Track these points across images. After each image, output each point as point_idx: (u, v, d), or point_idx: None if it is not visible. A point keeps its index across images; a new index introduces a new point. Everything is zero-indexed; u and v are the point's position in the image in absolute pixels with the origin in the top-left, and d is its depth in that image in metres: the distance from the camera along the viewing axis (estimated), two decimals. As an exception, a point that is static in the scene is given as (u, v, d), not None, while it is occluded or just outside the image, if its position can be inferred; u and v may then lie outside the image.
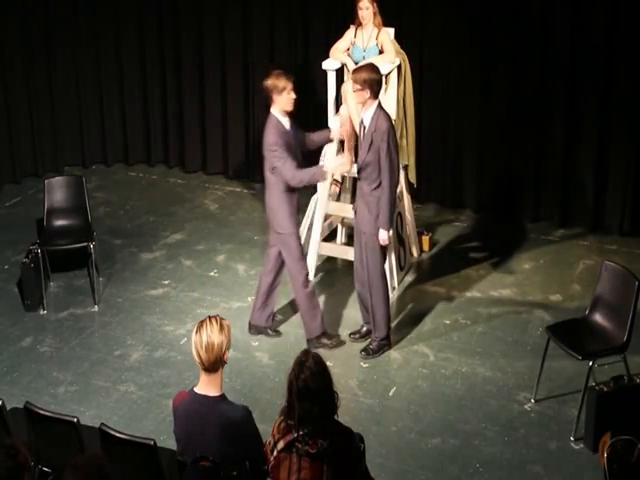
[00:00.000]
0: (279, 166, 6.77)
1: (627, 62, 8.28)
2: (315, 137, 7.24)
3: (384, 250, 7.07)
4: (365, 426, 6.15)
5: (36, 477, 5.24)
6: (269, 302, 7.30)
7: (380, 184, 6.75)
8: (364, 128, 6.82)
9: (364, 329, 7.31)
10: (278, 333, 7.39)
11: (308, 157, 7.20)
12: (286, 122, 6.85)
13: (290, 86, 6.75)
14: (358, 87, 6.66)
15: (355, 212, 7.02)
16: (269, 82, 6.77)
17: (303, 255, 7.15)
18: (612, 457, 5.17)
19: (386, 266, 7.80)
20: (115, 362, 7.10)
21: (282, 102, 6.78)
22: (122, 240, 8.86)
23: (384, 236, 6.84)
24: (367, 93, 6.64)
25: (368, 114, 6.76)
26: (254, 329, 7.36)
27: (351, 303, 7.76)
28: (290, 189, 6.87)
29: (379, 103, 6.76)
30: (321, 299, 7.83)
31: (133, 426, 6.23)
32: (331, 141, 7.37)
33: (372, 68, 6.75)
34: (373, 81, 6.64)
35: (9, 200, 9.70)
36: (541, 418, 6.43)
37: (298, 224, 7.20)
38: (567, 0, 8.34)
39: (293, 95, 6.79)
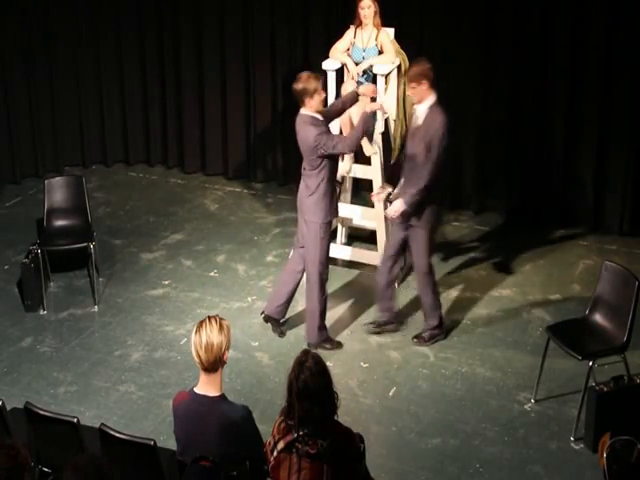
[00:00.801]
0: (331, 150, 6.76)
1: (627, 63, 8.28)
2: (344, 100, 7.19)
3: (432, 242, 7.10)
4: (365, 426, 6.15)
5: (36, 477, 5.24)
6: (290, 299, 7.34)
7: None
8: (416, 120, 6.86)
9: (383, 319, 7.35)
10: (283, 334, 7.40)
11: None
12: (318, 115, 6.85)
13: (320, 86, 6.77)
14: (413, 85, 6.72)
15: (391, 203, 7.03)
16: (301, 86, 6.72)
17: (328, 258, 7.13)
18: (612, 457, 5.18)
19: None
20: (115, 362, 7.10)
21: (315, 103, 6.77)
22: (122, 240, 8.86)
23: (396, 206, 6.85)
24: (425, 85, 6.71)
25: (423, 107, 6.81)
26: (269, 319, 7.37)
27: (351, 303, 7.76)
28: (332, 179, 6.90)
29: (434, 96, 6.79)
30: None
31: (133, 426, 6.23)
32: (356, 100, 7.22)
33: (421, 62, 6.83)
34: (427, 71, 6.72)
35: (9, 200, 9.70)
36: (541, 418, 6.43)
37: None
38: (567, 0, 8.34)
39: (323, 94, 6.84)
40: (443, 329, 7.25)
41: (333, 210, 7.03)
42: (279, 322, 7.36)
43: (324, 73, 7.78)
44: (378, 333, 7.32)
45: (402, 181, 7.05)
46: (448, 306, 7.70)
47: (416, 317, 7.50)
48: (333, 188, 6.98)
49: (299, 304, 7.60)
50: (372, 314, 7.64)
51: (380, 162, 7.79)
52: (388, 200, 7.20)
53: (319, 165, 6.82)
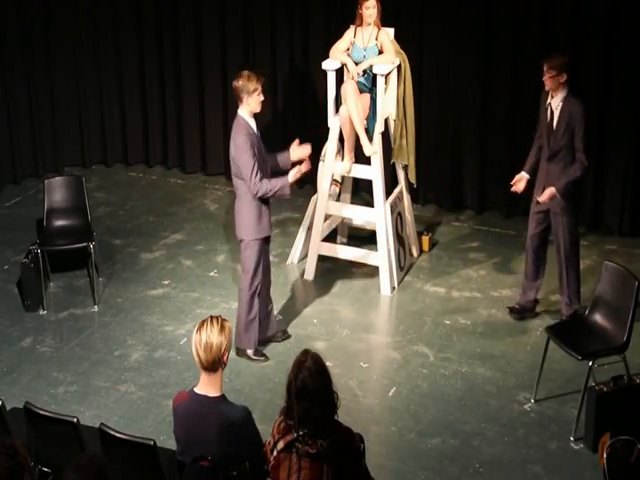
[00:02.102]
0: (242, 174, 6.60)
1: (627, 62, 8.28)
2: (278, 158, 6.96)
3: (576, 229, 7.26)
4: (365, 426, 6.14)
5: (36, 477, 5.24)
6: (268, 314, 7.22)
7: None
8: (551, 113, 6.97)
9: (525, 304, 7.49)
10: (286, 333, 7.38)
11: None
12: (253, 124, 6.71)
13: (260, 88, 6.63)
14: (554, 73, 6.83)
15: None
16: (240, 83, 6.60)
17: (259, 268, 6.90)
18: (612, 457, 5.17)
19: (386, 266, 7.83)
20: (115, 362, 7.10)
21: (252, 104, 6.63)
22: (122, 240, 8.86)
23: (549, 193, 6.95)
24: (563, 77, 6.83)
25: (558, 99, 6.94)
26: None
27: (351, 303, 7.76)
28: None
29: (567, 88, 6.92)
30: (321, 299, 7.84)
31: (133, 426, 6.23)
32: (293, 165, 6.94)
33: (562, 54, 7.02)
34: (566, 65, 6.85)
35: (9, 200, 9.70)
36: (541, 418, 6.43)
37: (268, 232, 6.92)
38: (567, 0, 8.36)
39: (262, 97, 6.67)
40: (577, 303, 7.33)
41: (263, 227, 6.81)
42: (275, 335, 7.30)
43: (324, 73, 7.80)
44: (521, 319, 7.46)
45: (540, 179, 7.16)
46: (448, 306, 7.71)
47: (401, 319, 7.51)
48: (265, 201, 6.75)
49: (298, 303, 7.61)
50: (372, 314, 7.65)
51: (380, 162, 7.79)
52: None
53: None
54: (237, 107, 10.01)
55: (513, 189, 7.50)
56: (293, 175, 6.76)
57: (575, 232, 7.27)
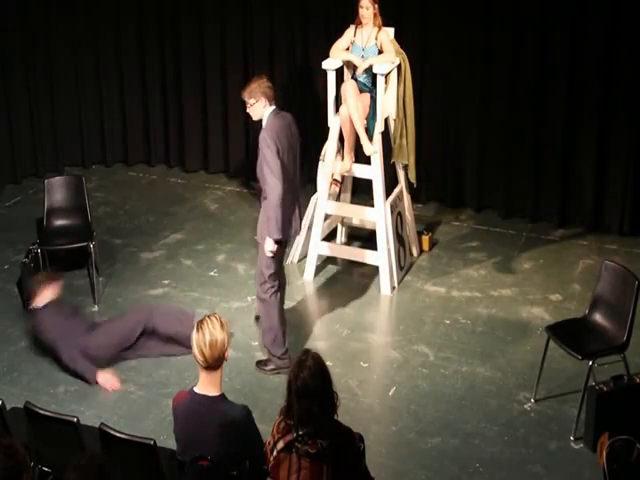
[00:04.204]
0: (268, 175, 6.50)
1: (627, 62, 8.28)
2: None
3: None
4: (365, 426, 6.14)
5: (36, 477, 5.24)
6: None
7: None
8: None
9: None
10: None
11: (304, 154, 7.15)
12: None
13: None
14: None
15: None
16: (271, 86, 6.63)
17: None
18: (612, 457, 5.17)
19: (386, 266, 7.83)
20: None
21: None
22: (122, 240, 8.86)
23: None
24: None
25: None
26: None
27: (351, 303, 7.76)
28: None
29: None
30: (321, 299, 7.84)
31: (133, 426, 6.22)
32: None
33: None
34: None
35: (9, 200, 9.70)
36: (541, 418, 6.43)
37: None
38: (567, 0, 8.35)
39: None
40: None
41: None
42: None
43: (324, 73, 7.80)
44: None
45: None
46: (448, 306, 7.71)
47: (401, 319, 7.51)
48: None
49: (298, 303, 7.61)
50: (372, 313, 7.65)
51: (380, 162, 7.79)
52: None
53: None
54: (237, 107, 10.03)
55: None
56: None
57: None
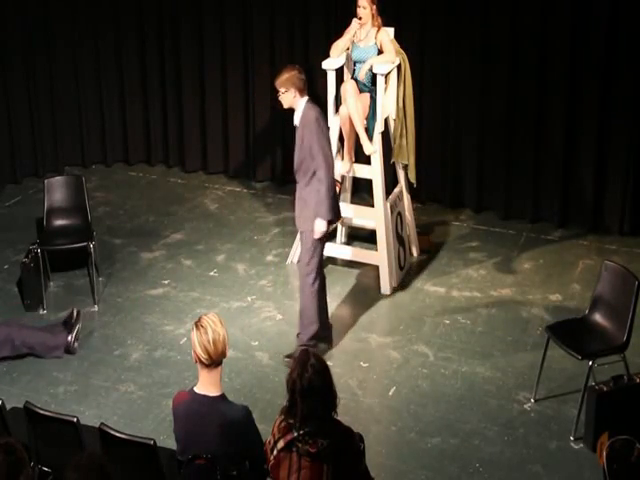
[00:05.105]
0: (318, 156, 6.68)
1: (627, 62, 8.28)
2: None
3: None
4: (365, 426, 6.14)
5: (36, 477, 5.24)
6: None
7: None
8: None
9: None
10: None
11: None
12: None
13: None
14: None
15: None
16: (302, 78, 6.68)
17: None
18: (612, 457, 5.17)
19: (386, 266, 7.83)
20: (115, 362, 7.10)
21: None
22: (122, 240, 8.86)
23: None
24: None
25: None
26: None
27: (351, 303, 7.76)
28: None
29: None
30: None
31: (133, 426, 6.23)
32: None
33: None
34: None
35: (9, 200, 9.70)
36: (541, 418, 6.43)
37: None
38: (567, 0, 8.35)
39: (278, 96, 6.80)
40: None
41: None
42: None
43: (324, 73, 7.80)
44: None
45: None
46: (448, 306, 7.71)
47: (401, 319, 7.52)
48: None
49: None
50: (372, 314, 7.65)
51: (380, 162, 7.79)
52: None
53: None
54: (237, 106, 10.04)
55: None
56: None
57: None
